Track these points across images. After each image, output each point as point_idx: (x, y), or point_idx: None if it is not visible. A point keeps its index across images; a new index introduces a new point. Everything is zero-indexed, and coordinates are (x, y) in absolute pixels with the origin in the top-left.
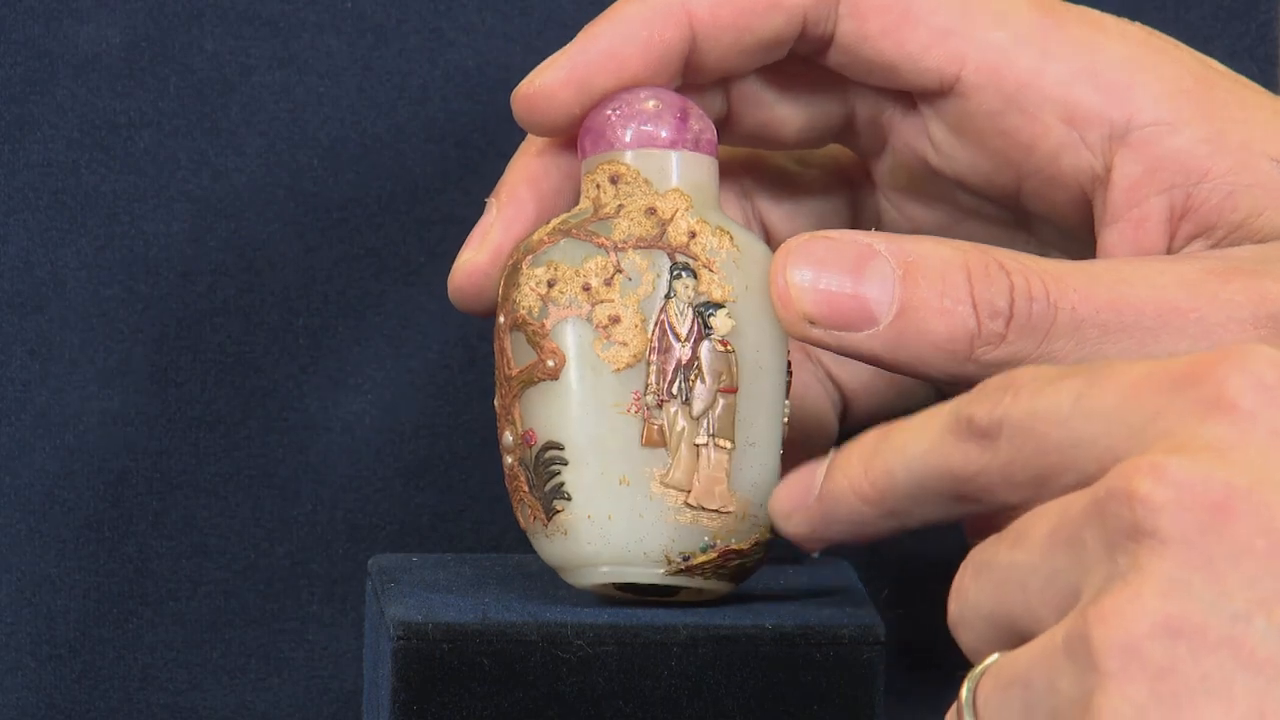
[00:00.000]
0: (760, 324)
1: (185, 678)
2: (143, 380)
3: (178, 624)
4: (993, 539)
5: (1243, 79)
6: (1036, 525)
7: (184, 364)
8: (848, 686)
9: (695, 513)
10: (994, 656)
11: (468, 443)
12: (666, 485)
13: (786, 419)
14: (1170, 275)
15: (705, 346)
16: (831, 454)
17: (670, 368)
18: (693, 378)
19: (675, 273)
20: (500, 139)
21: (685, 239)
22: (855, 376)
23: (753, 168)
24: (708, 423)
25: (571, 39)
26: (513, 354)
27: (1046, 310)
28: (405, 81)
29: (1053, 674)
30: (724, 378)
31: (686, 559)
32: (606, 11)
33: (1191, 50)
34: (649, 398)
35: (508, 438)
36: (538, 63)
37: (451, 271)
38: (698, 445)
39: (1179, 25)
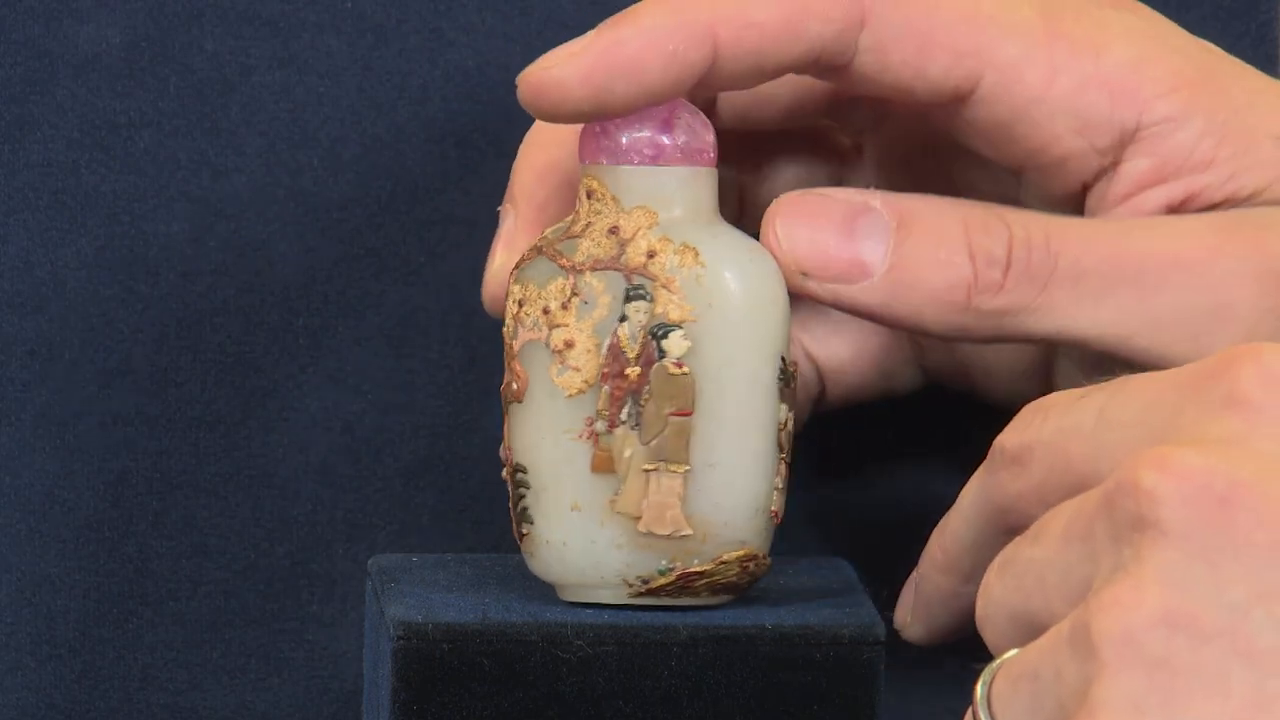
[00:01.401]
0: (725, 340)
1: (185, 678)
2: (143, 380)
3: (178, 624)
4: (1018, 538)
5: (1244, 64)
6: (1055, 521)
7: (184, 364)
8: (848, 686)
9: (646, 539)
10: (1008, 654)
11: (468, 443)
12: (617, 512)
13: (786, 425)
14: (1173, 228)
15: (655, 370)
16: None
17: (621, 393)
18: (643, 402)
19: (629, 296)
20: (500, 139)
21: (643, 259)
22: (835, 355)
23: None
24: (657, 447)
25: (571, 38)
26: (505, 368)
27: (1046, 258)
28: (405, 81)
29: (1058, 665)
30: (676, 401)
31: (646, 582)
32: (631, 14)
33: (1192, 36)
34: (599, 424)
35: (502, 450)
36: None
37: (484, 284)
38: (646, 471)
39: (1179, 25)
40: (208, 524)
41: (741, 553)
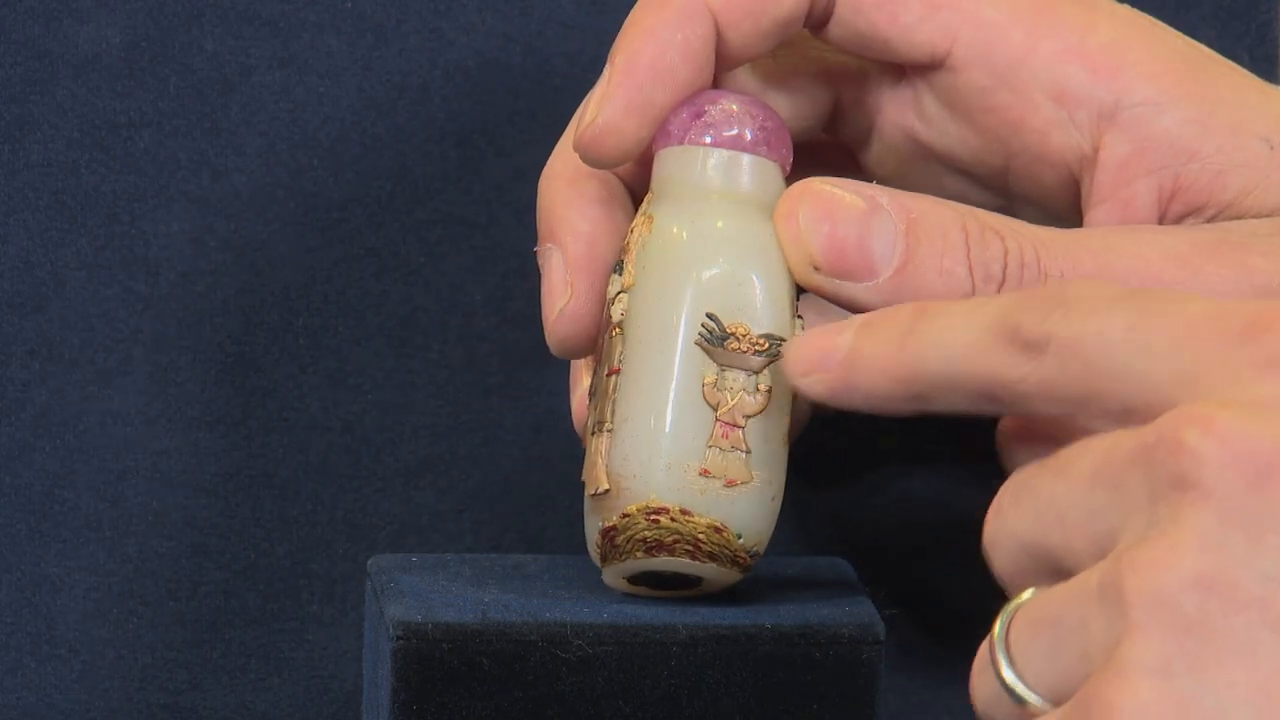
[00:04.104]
0: (650, 300)
1: (185, 678)
2: (143, 380)
3: (178, 624)
4: (1036, 465)
5: (1232, 63)
6: (1082, 458)
7: (184, 364)
8: (848, 686)
9: (591, 501)
10: (1028, 593)
11: (468, 443)
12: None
13: (716, 384)
14: (1157, 246)
15: (604, 337)
16: (854, 319)
17: (593, 366)
18: (598, 370)
19: (612, 273)
20: (500, 139)
21: (628, 236)
22: None
23: None
24: (598, 409)
25: (572, 39)
26: None
27: (1036, 277)
28: (405, 81)
29: (1084, 616)
30: (608, 362)
31: (599, 546)
32: (630, 27)
33: (1180, 34)
34: (589, 401)
35: None
36: (538, 63)
37: (550, 328)
38: (591, 436)
39: (1179, 26)
40: (208, 524)
41: (642, 504)
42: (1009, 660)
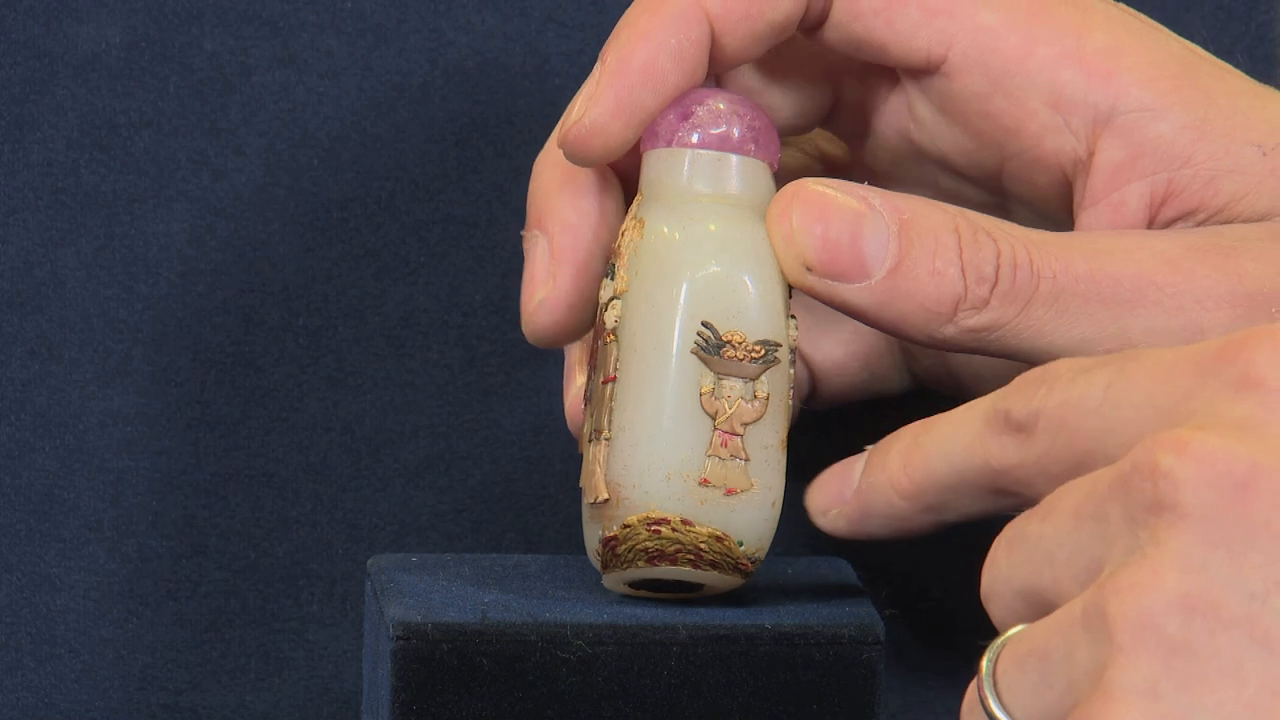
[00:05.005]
0: (644, 306)
1: (185, 678)
2: (143, 380)
3: (178, 624)
4: (1026, 513)
5: (1227, 65)
6: (1065, 499)
7: (184, 364)
8: (848, 686)
9: (590, 509)
10: (1015, 629)
11: (468, 443)
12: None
13: (714, 392)
14: (1148, 249)
15: (599, 343)
16: (868, 450)
17: (588, 370)
18: (593, 376)
19: (604, 277)
20: (500, 139)
21: (619, 239)
22: (827, 356)
23: None
24: (595, 417)
25: (572, 39)
26: None
27: (1030, 279)
28: (405, 81)
29: (1070, 646)
30: (603, 369)
31: (600, 554)
32: (624, 28)
33: (1177, 36)
34: (585, 407)
35: None
36: (537, 63)
37: (527, 317)
38: (588, 443)
39: (1178, 25)
40: (207, 524)
41: (643, 515)
42: (997, 697)
